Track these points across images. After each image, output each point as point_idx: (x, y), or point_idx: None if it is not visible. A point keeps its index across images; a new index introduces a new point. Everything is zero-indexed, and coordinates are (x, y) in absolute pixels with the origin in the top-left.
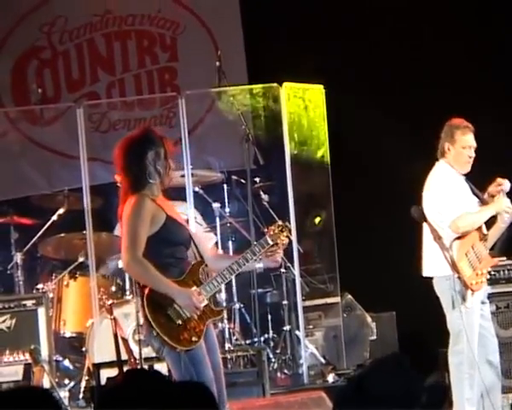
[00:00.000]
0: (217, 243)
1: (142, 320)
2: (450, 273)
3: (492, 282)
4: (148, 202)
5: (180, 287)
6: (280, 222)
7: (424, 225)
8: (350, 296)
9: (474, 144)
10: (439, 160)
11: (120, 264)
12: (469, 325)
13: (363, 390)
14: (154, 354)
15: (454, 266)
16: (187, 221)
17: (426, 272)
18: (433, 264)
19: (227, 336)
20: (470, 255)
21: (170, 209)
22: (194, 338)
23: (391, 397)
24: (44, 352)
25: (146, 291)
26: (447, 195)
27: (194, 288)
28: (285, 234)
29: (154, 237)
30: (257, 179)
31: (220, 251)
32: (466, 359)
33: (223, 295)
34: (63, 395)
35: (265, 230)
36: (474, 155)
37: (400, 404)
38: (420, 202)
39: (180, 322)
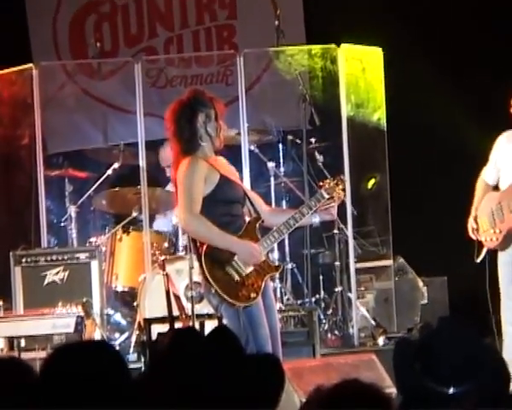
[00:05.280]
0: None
1: (195, 277)
2: None
3: None
4: (201, 163)
5: (240, 239)
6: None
7: None
8: (402, 260)
9: None
10: None
11: (174, 220)
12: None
13: (429, 349)
14: (205, 311)
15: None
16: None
17: None
18: None
19: (278, 295)
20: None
21: (223, 168)
22: (252, 294)
23: (456, 358)
24: (96, 305)
25: (203, 248)
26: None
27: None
28: (340, 187)
29: (209, 196)
30: (312, 140)
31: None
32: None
33: (275, 255)
34: None
35: (320, 183)
36: None
37: (465, 367)
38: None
39: (238, 278)
